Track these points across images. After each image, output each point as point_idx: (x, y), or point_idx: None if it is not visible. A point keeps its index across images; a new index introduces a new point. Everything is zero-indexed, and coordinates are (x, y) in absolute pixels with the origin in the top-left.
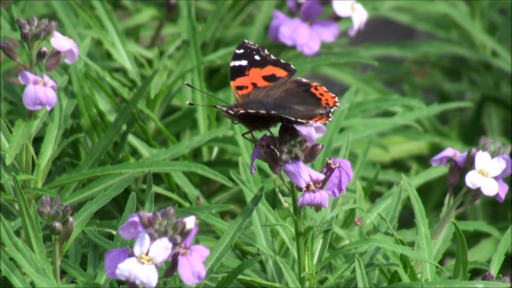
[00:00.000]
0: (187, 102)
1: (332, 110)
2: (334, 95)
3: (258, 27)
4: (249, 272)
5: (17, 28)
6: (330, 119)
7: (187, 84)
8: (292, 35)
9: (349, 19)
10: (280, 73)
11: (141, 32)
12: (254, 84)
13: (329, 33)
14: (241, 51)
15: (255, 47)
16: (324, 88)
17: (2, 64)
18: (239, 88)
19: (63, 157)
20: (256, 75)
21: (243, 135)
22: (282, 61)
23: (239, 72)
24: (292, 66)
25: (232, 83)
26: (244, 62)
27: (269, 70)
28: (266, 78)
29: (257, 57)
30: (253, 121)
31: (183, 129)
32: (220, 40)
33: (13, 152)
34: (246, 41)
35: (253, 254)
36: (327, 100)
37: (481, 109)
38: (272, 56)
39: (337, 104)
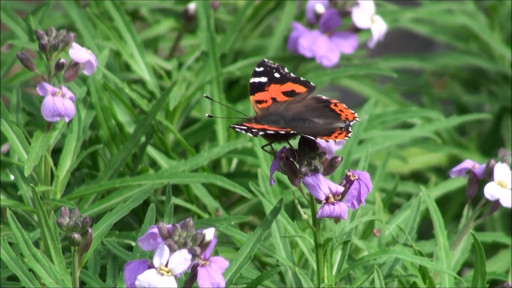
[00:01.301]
0: (206, 114)
1: (351, 123)
2: (353, 112)
3: (277, 38)
4: (268, 283)
5: (35, 39)
6: (349, 135)
7: (206, 97)
8: (311, 47)
9: (368, 30)
10: (300, 89)
11: (160, 43)
12: (273, 99)
13: (348, 45)
14: (261, 69)
15: (275, 66)
16: (344, 105)
17: (20, 75)
18: (259, 102)
19: (82, 168)
20: (275, 91)
21: (262, 147)
22: (302, 78)
23: (258, 87)
24: (311, 83)
25: (251, 98)
26: (264, 79)
27: (289, 86)
28: (285, 93)
29: (277, 75)
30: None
31: (202, 140)
32: (239, 51)
33: (32, 163)
34: (266, 60)
35: (272, 265)
36: (346, 115)
37: (500, 120)
38: (292, 74)
39: (356, 118)
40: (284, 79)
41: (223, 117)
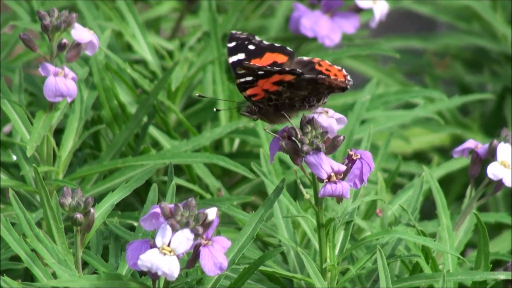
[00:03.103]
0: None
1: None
2: (340, 68)
3: (279, 19)
4: (271, 263)
5: (37, 19)
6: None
7: (199, 95)
8: (313, 27)
9: (370, 11)
10: (281, 58)
11: (161, 24)
12: None
13: (350, 25)
14: (233, 43)
15: (245, 36)
16: (327, 61)
17: (23, 56)
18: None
19: (84, 149)
20: None
21: (265, 129)
22: (276, 45)
23: None
24: (288, 48)
25: (237, 81)
26: (241, 56)
27: (269, 58)
28: (270, 66)
29: (251, 47)
30: (275, 113)
31: (204, 120)
32: (241, 31)
33: (34, 144)
34: (233, 32)
35: (274, 245)
36: (336, 75)
37: (503, 100)
38: (264, 42)
39: (348, 78)
40: (260, 50)
41: (225, 108)
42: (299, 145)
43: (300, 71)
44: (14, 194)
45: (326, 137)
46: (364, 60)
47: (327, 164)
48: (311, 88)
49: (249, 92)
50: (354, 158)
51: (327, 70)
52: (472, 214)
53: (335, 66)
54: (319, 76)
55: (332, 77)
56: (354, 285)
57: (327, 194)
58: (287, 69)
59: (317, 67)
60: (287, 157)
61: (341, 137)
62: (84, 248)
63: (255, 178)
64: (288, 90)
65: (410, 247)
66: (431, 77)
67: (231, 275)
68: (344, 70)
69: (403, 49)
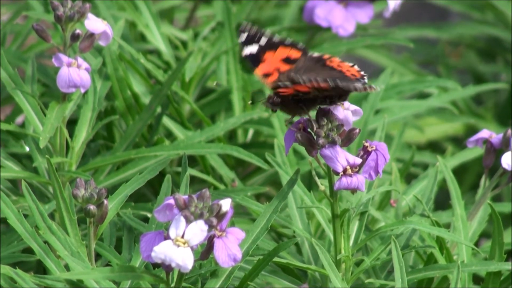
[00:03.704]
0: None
1: (366, 82)
2: (352, 64)
3: (293, 8)
4: (285, 254)
5: (50, 10)
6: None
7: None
8: (327, 17)
9: (384, 0)
10: (294, 53)
11: (175, 14)
12: (277, 70)
13: (364, 15)
14: (245, 36)
15: (256, 31)
16: (337, 58)
17: (36, 46)
18: (266, 75)
19: (97, 140)
20: (273, 60)
21: (287, 124)
22: (288, 41)
23: (256, 59)
24: (300, 45)
25: (257, 72)
26: (255, 48)
27: (282, 52)
28: (284, 60)
29: (264, 40)
30: (295, 105)
31: (218, 111)
32: (255, 21)
33: (47, 135)
34: (242, 25)
35: (289, 236)
36: (350, 72)
37: None
38: (275, 37)
39: (363, 74)
40: (273, 45)
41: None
42: (315, 137)
43: (302, 45)
44: (26, 185)
45: (342, 130)
46: (378, 49)
47: (342, 157)
48: (338, 90)
49: (261, 69)
50: (370, 149)
51: (338, 66)
52: (486, 204)
53: (346, 63)
54: (356, 85)
55: (357, 84)
56: (368, 276)
57: (343, 187)
58: (288, 41)
59: (328, 63)
60: (301, 148)
61: (357, 130)
62: (97, 240)
63: (269, 168)
64: (316, 90)
65: (425, 238)
66: (445, 66)
67: (245, 266)
68: (356, 66)
69: (417, 39)
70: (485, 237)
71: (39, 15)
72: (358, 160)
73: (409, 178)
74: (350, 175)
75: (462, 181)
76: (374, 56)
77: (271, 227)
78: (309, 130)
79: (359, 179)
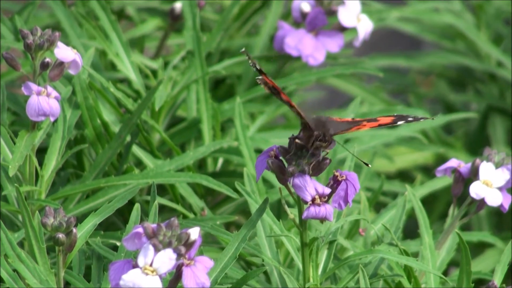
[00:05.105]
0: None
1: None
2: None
3: (263, 37)
4: (254, 283)
5: (20, 38)
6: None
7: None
8: (298, 46)
9: (354, 29)
10: None
11: (146, 42)
12: None
13: (334, 44)
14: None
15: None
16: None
17: (5, 74)
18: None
19: (67, 168)
20: None
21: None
22: None
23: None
24: None
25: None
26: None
27: None
28: None
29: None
30: None
31: (188, 140)
32: (226, 50)
33: (17, 163)
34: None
35: (257, 265)
36: None
37: (486, 119)
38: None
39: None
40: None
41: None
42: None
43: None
44: None
45: (313, 159)
46: (348, 79)
47: (311, 187)
48: None
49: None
50: (340, 179)
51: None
52: (454, 233)
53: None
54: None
55: None
56: None
57: (311, 217)
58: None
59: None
60: (271, 176)
61: (328, 160)
62: (66, 268)
63: (239, 197)
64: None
65: (393, 267)
66: (415, 95)
67: None
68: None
69: (388, 68)
70: (454, 265)
71: (9, 43)
72: (328, 190)
73: (378, 207)
74: (319, 205)
75: (432, 210)
76: (344, 86)
77: (240, 256)
78: (280, 158)
79: (327, 209)
